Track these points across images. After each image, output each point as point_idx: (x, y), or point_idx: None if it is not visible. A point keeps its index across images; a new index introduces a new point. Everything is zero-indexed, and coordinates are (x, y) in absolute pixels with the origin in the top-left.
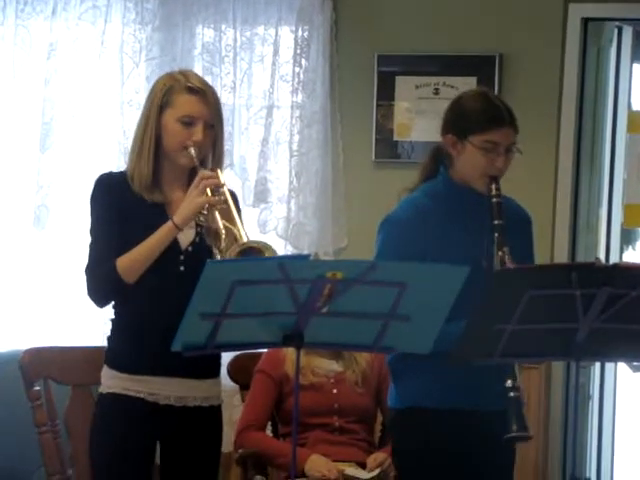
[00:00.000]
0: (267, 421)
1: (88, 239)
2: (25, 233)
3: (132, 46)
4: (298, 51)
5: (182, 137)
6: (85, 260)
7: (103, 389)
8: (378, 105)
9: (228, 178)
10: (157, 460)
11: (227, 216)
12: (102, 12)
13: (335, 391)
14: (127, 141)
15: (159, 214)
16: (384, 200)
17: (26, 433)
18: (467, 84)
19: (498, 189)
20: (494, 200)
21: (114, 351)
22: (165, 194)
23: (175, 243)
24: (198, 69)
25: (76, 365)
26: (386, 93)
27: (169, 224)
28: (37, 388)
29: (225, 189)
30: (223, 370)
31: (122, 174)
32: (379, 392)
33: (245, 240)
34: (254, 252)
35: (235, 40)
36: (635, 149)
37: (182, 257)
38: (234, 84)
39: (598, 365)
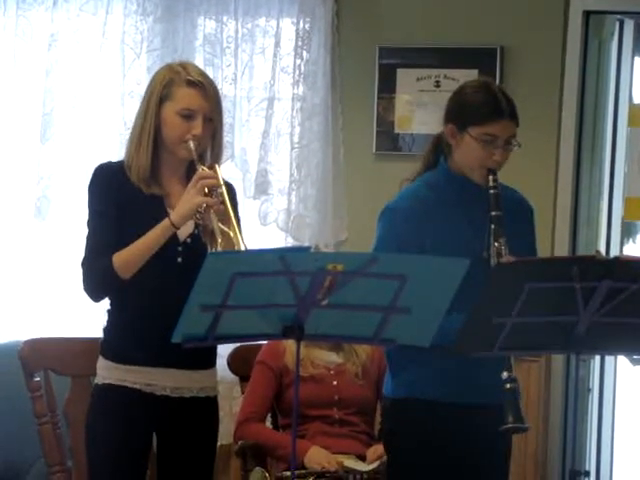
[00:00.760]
0: (267, 413)
1: (85, 231)
2: (26, 224)
3: (133, 37)
4: (299, 43)
5: (181, 130)
6: (82, 253)
7: (99, 380)
8: (379, 97)
9: (228, 170)
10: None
11: (224, 217)
12: (103, 3)
13: (335, 383)
14: (128, 132)
15: (157, 206)
16: (385, 192)
17: (26, 424)
18: (468, 76)
19: (495, 180)
20: (492, 192)
21: (110, 342)
22: (163, 186)
23: (173, 235)
24: (199, 60)
25: (76, 356)
26: (387, 85)
27: (166, 222)
28: (37, 379)
29: (223, 189)
30: (222, 361)
31: (121, 164)
32: (379, 384)
33: (242, 248)
34: None
35: (236, 32)
36: (636, 142)
37: (180, 249)
38: (235, 76)
39: (598, 358)
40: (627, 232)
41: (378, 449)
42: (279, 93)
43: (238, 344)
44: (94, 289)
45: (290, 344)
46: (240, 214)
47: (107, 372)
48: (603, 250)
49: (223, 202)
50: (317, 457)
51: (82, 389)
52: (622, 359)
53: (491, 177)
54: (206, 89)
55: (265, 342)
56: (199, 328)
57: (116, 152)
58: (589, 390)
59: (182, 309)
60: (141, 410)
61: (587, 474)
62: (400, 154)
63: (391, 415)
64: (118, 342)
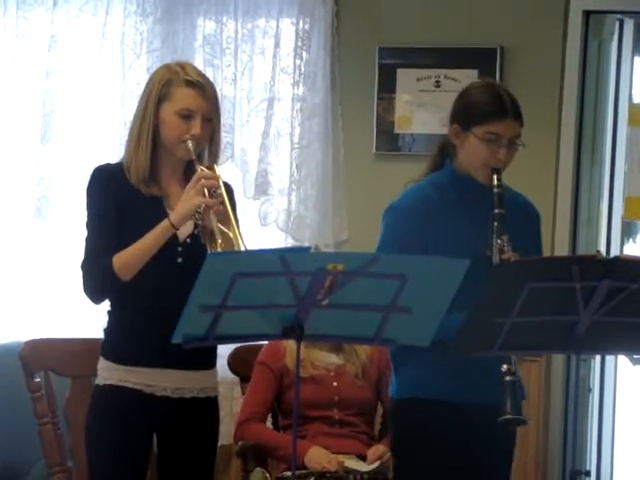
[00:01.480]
0: (267, 413)
1: (84, 232)
2: (26, 225)
3: (133, 38)
4: (299, 43)
5: (180, 130)
6: (82, 255)
7: (99, 381)
8: (379, 98)
9: (228, 171)
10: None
11: (224, 218)
12: (103, 4)
13: (335, 384)
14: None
15: (156, 207)
16: (385, 193)
17: (26, 425)
18: (468, 77)
19: (499, 179)
20: (495, 190)
21: (111, 343)
22: (162, 187)
23: (173, 236)
24: (199, 61)
25: (76, 357)
26: (387, 86)
27: (165, 223)
28: (37, 380)
29: (222, 189)
30: (222, 362)
31: (119, 165)
32: (379, 384)
33: (242, 249)
34: None
35: (236, 32)
36: (636, 142)
37: (180, 249)
38: (235, 76)
39: (598, 358)
40: (627, 232)
41: (378, 449)
42: (279, 93)
43: (238, 344)
44: (94, 291)
45: (290, 345)
46: (239, 215)
47: (108, 373)
48: (603, 250)
49: (222, 202)
50: (317, 457)
51: (82, 390)
52: (622, 359)
53: (495, 176)
54: (205, 89)
55: (265, 343)
56: (199, 328)
57: (116, 152)
58: (589, 390)
59: (182, 310)
60: (141, 411)
61: (588, 474)
62: (400, 154)
63: (395, 416)
64: (119, 343)
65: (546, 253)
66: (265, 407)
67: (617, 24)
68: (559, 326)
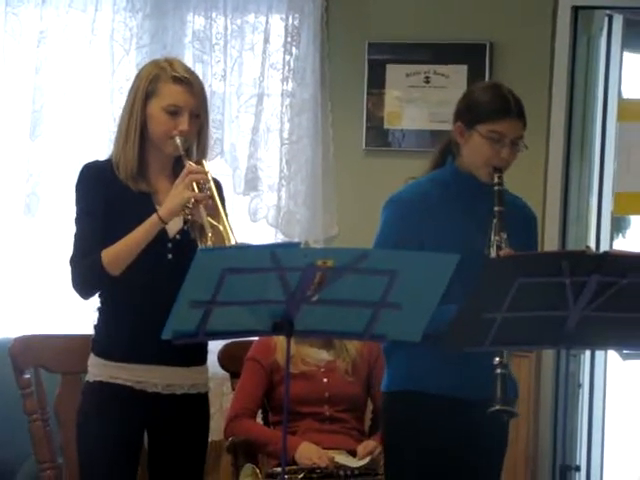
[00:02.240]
0: (257, 409)
1: (73, 229)
2: (15, 221)
3: (122, 34)
4: (289, 39)
5: (168, 126)
6: (71, 250)
7: (90, 377)
8: (369, 93)
9: (218, 166)
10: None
11: (213, 212)
12: (92, 0)
13: (325, 380)
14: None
15: (145, 203)
16: (375, 188)
17: (16, 422)
18: (458, 72)
19: (500, 177)
20: (496, 188)
21: (101, 339)
22: (151, 183)
23: (163, 232)
24: (188, 57)
25: (66, 353)
26: (377, 81)
27: (154, 217)
28: (27, 376)
29: (212, 184)
30: (212, 357)
31: (108, 162)
32: (369, 380)
33: (233, 242)
34: None
35: (226, 28)
36: (625, 138)
37: (170, 245)
38: (224, 72)
39: (588, 353)
40: (617, 227)
41: (369, 445)
42: (268, 89)
43: (228, 340)
44: (83, 286)
45: (281, 341)
46: (229, 211)
47: (98, 369)
48: (593, 245)
49: (212, 197)
50: (308, 453)
51: (73, 386)
52: (612, 354)
53: (496, 174)
54: (192, 85)
55: (255, 339)
56: (189, 324)
57: (106, 148)
58: (579, 385)
59: (173, 306)
60: (132, 407)
61: (578, 469)
62: (390, 150)
63: (385, 409)
64: (109, 339)
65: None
66: (255, 403)
67: (606, 19)
68: (549, 321)
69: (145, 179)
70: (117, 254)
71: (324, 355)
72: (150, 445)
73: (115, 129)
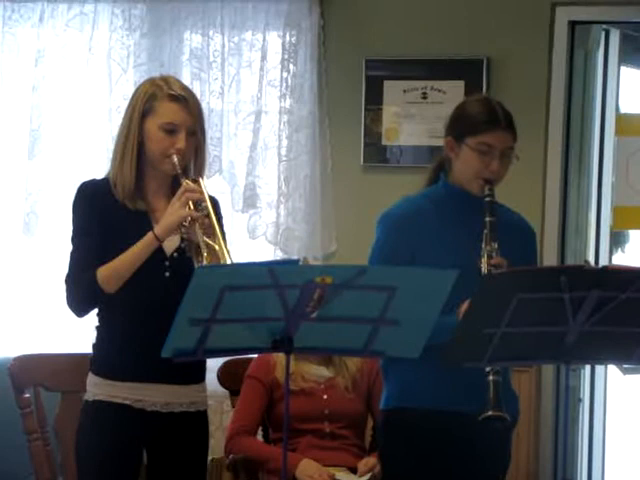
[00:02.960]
0: (258, 426)
1: (69, 247)
2: (14, 240)
3: (120, 52)
4: (286, 56)
5: (165, 145)
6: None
7: (89, 396)
8: (366, 109)
9: (216, 184)
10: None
11: (209, 231)
12: (90, 19)
13: (325, 397)
14: None
15: (142, 222)
16: (373, 204)
17: (16, 441)
18: (455, 88)
19: (491, 189)
20: (487, 199)
21: (99, 358)
22: (148, 202)
23: (160, 249)
24: (186, 75)
25: (66, 372)
26: (374, 97)
27: (150, 235)
28: (27, 395)
29: (208, 202)
30: (212, 375)
31: (105, 181)
32: (369, 397)
33: (228, 262)
34: None
35: (223, 46)
36: (623, 151)
37: (167, 263)
38: (222, 89)
39: (588, 368)
40: (616, 241)
41: (369, 461)
42: (266, 106)
43: (228, 358)
44: (78, 304)
45: (280, 358)
46: (228, 228)
47: (97, 388)
48: (592, 260)
49: (208, 215)
50: (308, 470)
51: (72, 405)
52: (612, 368)
53: (487, 186)
54: (189, 103)
55: (255, 356)
56: (188, 342)
57: (104, 167)
58: (580, 400)
59: (171, 324)
60: (131, 426)
61: None
62: (388, 166)
63: (382, 426)
64: (107, 358)
65: None
66: (255, 420)
67: (603, 34)
68: (548, 336)
69: (142, 198)
70: (112, 272)
71: (324, 372)
72: (149, 463)
73: (113, 147)
